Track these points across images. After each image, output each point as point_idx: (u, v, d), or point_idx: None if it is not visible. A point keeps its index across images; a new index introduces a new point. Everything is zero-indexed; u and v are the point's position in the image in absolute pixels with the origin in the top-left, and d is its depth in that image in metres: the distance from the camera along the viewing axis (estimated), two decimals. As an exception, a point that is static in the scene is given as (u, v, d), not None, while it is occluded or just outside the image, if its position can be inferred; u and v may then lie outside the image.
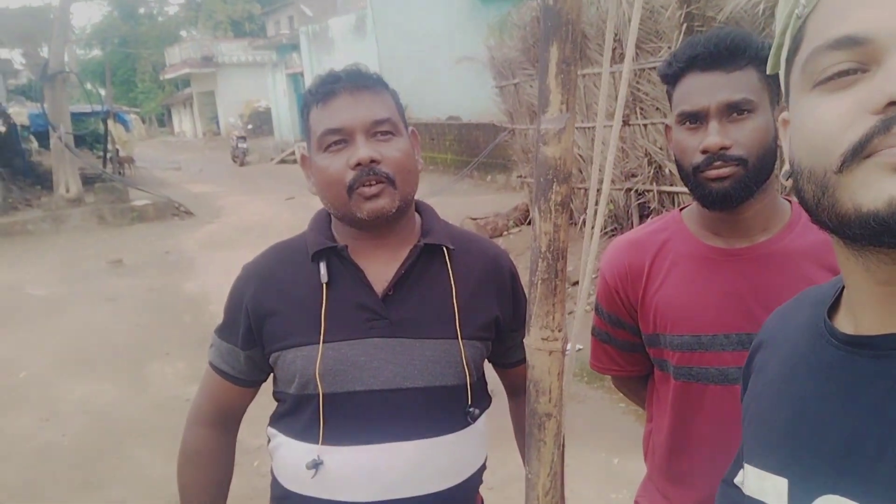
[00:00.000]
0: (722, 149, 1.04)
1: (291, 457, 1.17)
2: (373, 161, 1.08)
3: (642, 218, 6.36)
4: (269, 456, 1.25)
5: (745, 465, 0.66)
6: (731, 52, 1.05)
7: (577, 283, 5.83)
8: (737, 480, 0.73)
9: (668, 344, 1.17)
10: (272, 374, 1.23)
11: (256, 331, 1.17)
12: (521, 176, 8.29)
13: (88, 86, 16.29)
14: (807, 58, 0.52)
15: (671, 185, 5.76)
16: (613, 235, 6.64)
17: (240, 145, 21.56)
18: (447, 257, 1.18)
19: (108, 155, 15.62)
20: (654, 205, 6.03)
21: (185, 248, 9.37)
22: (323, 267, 1.14)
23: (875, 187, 0.47)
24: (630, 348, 1.29)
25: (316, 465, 1.11)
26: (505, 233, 7.87)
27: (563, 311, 0.79)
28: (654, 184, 5.97)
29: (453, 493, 1.16)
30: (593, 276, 0.97)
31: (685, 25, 5.53)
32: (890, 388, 0.52)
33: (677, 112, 1.10)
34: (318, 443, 1.12)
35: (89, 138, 16.20)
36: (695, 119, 1.07)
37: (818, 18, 0.52)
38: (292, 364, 1.14)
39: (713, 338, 1.12)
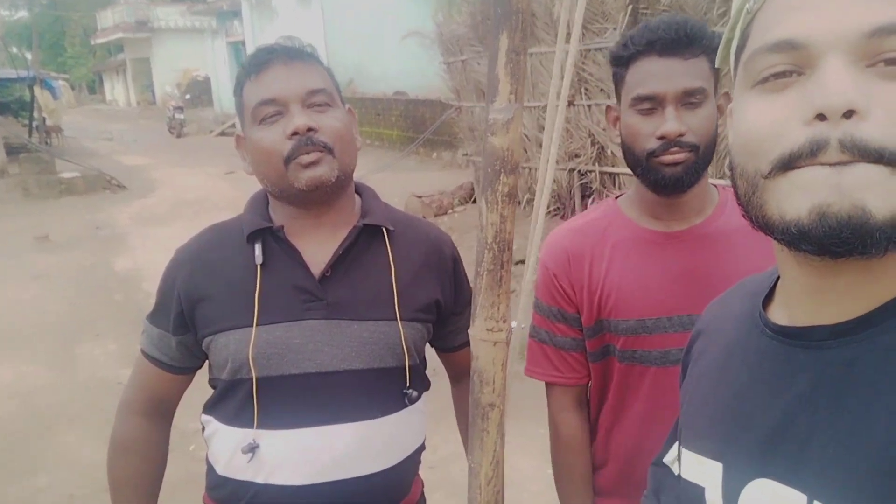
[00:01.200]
0: (679, 135, 1.06)
1: (227, 442, 1.15)
2: (310, 129, 1.06)
3: (584, 198, 6.46)
4: (206, 444, 1.22)
5: (683, 450, 0.68)
6: (689, 39, 1.06)
7: (522, 261, 5.90)
8: (666, 460, 0.75)
9: (613, 329, 1.18)
10: (207, 361, 1.20)
11: (188, 315, 1.14)
12: (466, 154, 8.29)
13: (13, 49, 15.31)
14: (748, 57, 0.54)
15: (613, 165, 5.87)
16: (556, 215, 6.72)
17: (177, 116, 20.76)
18: (387, 239, 1.17)
19: (35, 124, 14.78)
20: (595, 185, 6.14)
21: (116, 224, 9.00)
22: (258, 248, 1.12)
23: (799, 197, 0.49)
24: (569, 346, 1.25)
25: (252, 448, 1.10)
26: (450, 211, 7.87)
27: (508, 302, 0.78)
28: (597, 164, 6.06)
29: (390, 474, 1.17)
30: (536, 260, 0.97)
31: (630, 7, 5.59)
32: (818, 377, 0.53)
33: (633, 95, 1.10)
34: (252, 427, 1.10)
35: (14, 106, 15.28)
36: (650, 103, 1.08)
37: (764, 17, 0.53)
38: (224, 348, 1.12)
39: (657, 321, 1.14)
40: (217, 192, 10.74)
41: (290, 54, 1.11)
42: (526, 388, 3.56)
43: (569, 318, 1.24)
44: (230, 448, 1.13)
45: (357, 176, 1.20)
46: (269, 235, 1.13)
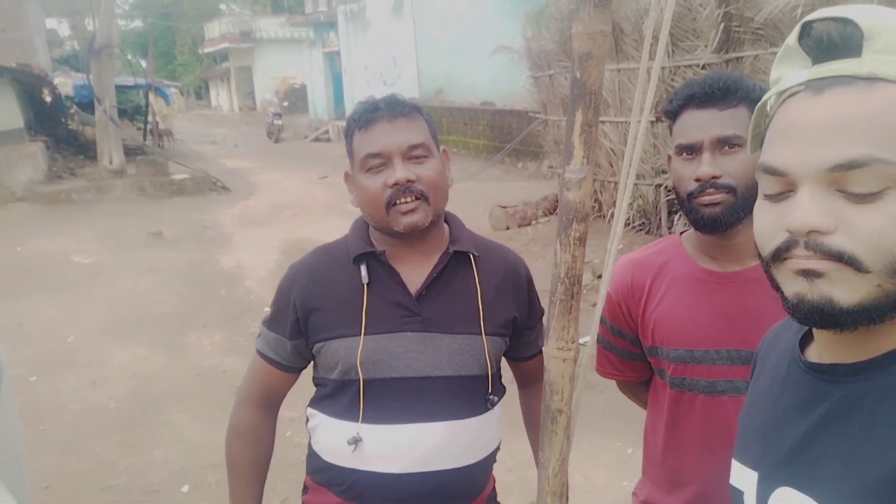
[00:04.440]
0: (713, 178, 1.16)
1: (332, 434, 1.33)
2: (409, 181, 1.24)
3: (670, 214, 6.41)
4: (308, 433, 1.41)
5: (733, 460, 0.82)
6: (723, 92, 1.17)
7: (601, 276, 5.93)
8: None
9: (664, 356, 1.29)
10: (312, 361, 1.39)
11: (303, 323, 1.32)
12: (552, 166, 8.35)
13: (129, 57, 16.69)
14: (757, 167, 0.68)
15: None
16: (641, 230, 6.71)
17: (275, 122, 21.84)
18: (473, 263, 1.35)
19: (149, 127, 16.04)
20: (682, 202, 6.08)
21: (221, 223, 9.64)
22: (363, 269, 1.31)
23: (786, 284, 0.65)
24: (629, 356, 1.41)
25: (356, 440, 1.28)
26: (533, 222, 7.92)
27: (577, 327, 0.94)
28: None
29: (472, 470, 1.34)
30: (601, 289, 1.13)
31: (722, 25, 5.55)
32: (834, 406, 0.67)
33: (675, 144, 1.22)
34: (358, 421, 1.29)
35: (130, 110, 16.65)
36: (690, 151, 1.20)
37: (770, 131, 0.67)
38: (335, 353, 1.30)
39: (705, 353, 1.24)
40: (311, 196, 11.26)
41: (394, 111, 1.27)
42: (603, 400, 3.66)
43: (626, 337, 1.38)
44: (335, 438, 1.32)
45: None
46: (373, 258, 1.32)
